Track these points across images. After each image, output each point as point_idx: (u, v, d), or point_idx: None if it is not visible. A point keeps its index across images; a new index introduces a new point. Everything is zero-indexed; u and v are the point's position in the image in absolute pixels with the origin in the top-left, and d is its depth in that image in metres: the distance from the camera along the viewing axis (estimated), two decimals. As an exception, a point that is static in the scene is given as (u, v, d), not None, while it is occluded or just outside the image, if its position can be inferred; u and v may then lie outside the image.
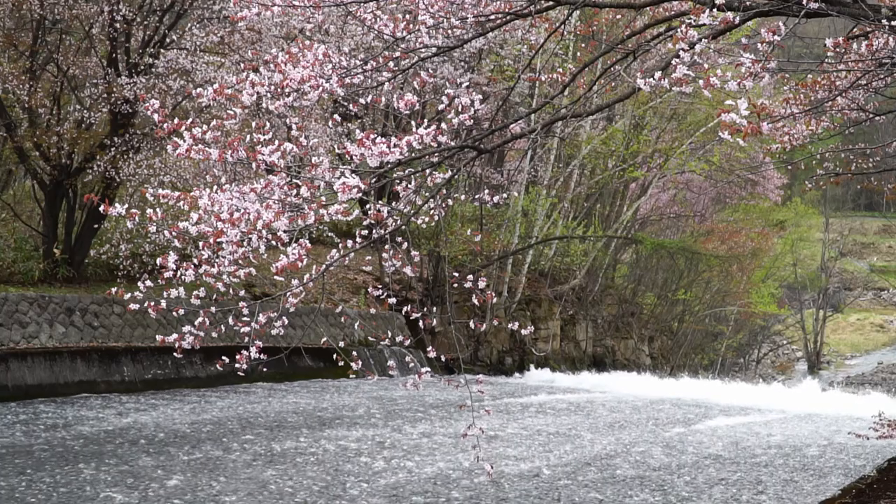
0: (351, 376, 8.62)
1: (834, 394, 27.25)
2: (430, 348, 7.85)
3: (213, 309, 6.46)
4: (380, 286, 7.26)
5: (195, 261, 6.27)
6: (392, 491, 10.88)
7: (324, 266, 6.61)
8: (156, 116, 6.14)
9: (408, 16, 7.57)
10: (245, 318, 6.49)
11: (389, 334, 7.42)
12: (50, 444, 12.46)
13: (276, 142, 6.13)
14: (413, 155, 6.37)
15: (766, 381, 35.21)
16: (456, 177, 12.94)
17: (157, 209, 6.23)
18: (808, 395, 25.08)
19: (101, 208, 6.17)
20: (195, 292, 6.58)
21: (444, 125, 6.42)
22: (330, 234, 23.15)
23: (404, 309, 7.62)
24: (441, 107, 6.76)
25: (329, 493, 10.68)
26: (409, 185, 6.72)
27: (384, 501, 10.45)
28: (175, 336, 6.39)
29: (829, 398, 24.95)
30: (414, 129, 6.19)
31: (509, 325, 8.11)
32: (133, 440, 13.06)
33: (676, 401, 22.05)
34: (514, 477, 11.90)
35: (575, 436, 15.55)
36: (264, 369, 17.52)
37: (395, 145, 6.09)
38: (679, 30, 6.01)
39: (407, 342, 7.37)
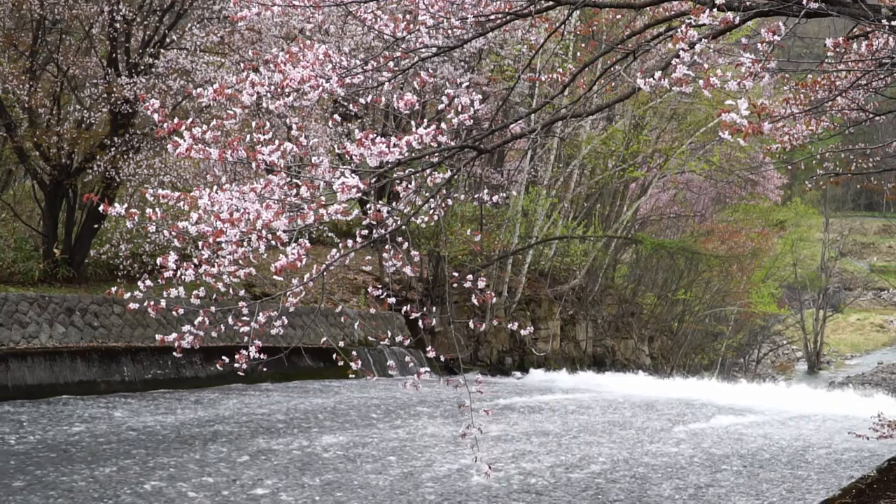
0: (351, 376, 8.62)
1: (834, 394, 27.25)
2: (429, 348, 7.84)
3: (212, 309, 6.46)
4: (380, 286, 7.26)
5: (195, 261, 6.27)
6: (392, 491, 10.89)
7: (324, 266, 6.61)
8: (156, 116, 6.14)
9: (408, 16, 7.57)
10: (245, 318, 6.49)
11: (389, 334, 7.42)
12: (49, 444, 12.46)
13: (276, 142, 6.12)
14: (413, 155, 6.37)
15: (765, 380, 35.19)
16: (456, 177, 12.94)
17: (157, 209, 6.23)
18: (807, 395, 25.08)
19: (101, 208, 6.17)
20: (195, 292, 6.58)
21: (444, 125, 6.42)
22: (330, 234, 23.15)
23: (404, 309, 7.62)
24: (441, 107, 6.76)
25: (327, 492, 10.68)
26: (409, 185, 6.72)
27: (386, 502, 10.46)
28: (175, 336, 6.39)
29: (829, 398, 24.95)
30: (414, 129, 6.19)
31: (509, 325, 8.11)
32: (134, 440, 13.06)
33: (676, 401, 22.04)
34: (513, 477, 11.90)
35: (575, 436, 15.54)
36: (264, 369, 17.51)
37: (394, 145, 6.09)
38: (679, 30, 6.01)
39: (407, 342, 7.37)
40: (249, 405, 16.90)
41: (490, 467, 10.38)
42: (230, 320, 6.55)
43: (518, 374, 28.26)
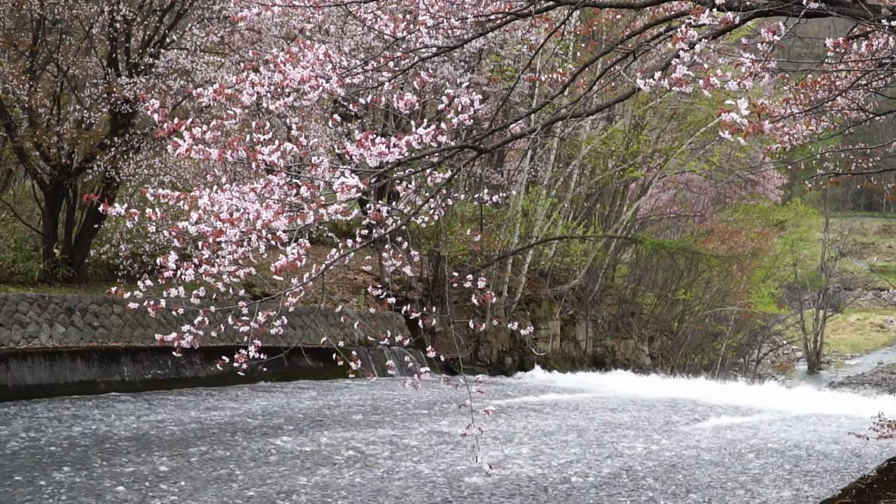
0: (350, 376, 8.62)
1: (833, 394, 27.26)
2: (429, 348, 7.84)
3: (212, 309, 6.46)
4: (380, 286, 7.25)
5: (195, 261, 6.27)
6: (393, 491, 10.89)
7: (324, 266, 6.61)
8: (156, 116, 6.14)
9: (408, 16, 7.57)
10: (245, 318, 6.49)
11: (389, 334, 7.42)
12: (49, 444, 12.46)
13: (276, 142, 6.12)
14: (413, 155, 6.36)
15: (765, 380, 35.19)
16: (456, 177, 12.93)
17: (157, 209, 6.23)
18: (807, 395, 25.08)
19: (101, 208, 6.16)
20: (195, 292, 6.57)
21: (444, 125, 6.42)
22: (330, 234, 23.15)
23: (404, 309, 7.62)
24: (441, 107, 6.76)
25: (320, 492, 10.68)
26: (409, 185, 6.71)
27: (388, 501, 10.46)
28: (175, 335, 6.39)
29: (829, 398, 24.96)
30: (414, 129, 6.18)
31: (509, 325, 8.10)
32: (134, 440, 13.06)
33: (676, 400, 22.05)
34: (513, 477, 11.90)
35: (575, 436, 15.54)
36: (264, 369, 17.53)
37: (394, 145, 6.09)
38: (679, 30, 6.01)
39: (407, 342, 7.36)
40: (249, 404, 16.89)
41: (490, 467, 10.38)
42: (230, 320, 6.55)
43: (518, 374, 28.27)
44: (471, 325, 7.87)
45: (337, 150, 15.53)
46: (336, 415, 16.36)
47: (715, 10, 6.02)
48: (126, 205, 7.05)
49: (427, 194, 6.96)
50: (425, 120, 18.67)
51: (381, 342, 7.50)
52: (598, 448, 14.42)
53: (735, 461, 13.84)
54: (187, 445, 12.86)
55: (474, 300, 7.06)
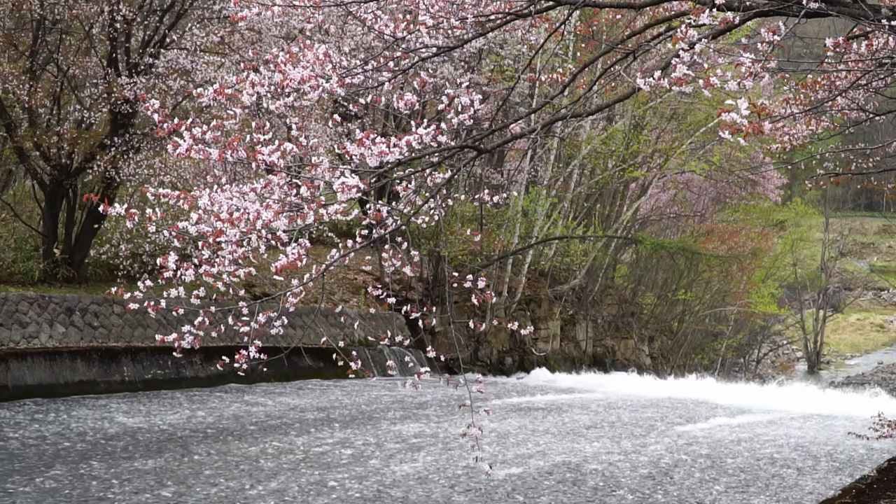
0: (350, 376, 8.62)
1: (834, 394, 27.25)
2: (429, 348, 7.83)
3: (213, 309, 6.45)
4: (380, 286, 7.24)
5: (195, 261, 6.27)
6: (391, 490, 10.89)
7: (324, 266, 6.61)
8: (156, 116, 6.13)
9: (408, 16, 7.57)
10: (245, 318, 6.48)
11: (389, 334, 7.41)
12: (49, 444, 12.46)
13: (276, 142, 6.12)
14: (413, 155, 6.36)
15: (765, 380, 35.19)
16: (456, 177, 12.93)
17: (157, 209, 6.23)
18: (807, 395, 25.07)
19: (101, 208, 6.16)
20: (195, 292, 6.57)
21: (444, 125, 6.41)
22: (330, 234, 23.15)
23: (404, 309, 7.61)
24: (441, 107, 6.75)
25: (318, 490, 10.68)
26: (409, 185, 6.71)
27: (388, 500, 10.46)
28: (175, 336, 6.38)
29: (829, 398, 24.95)
30: (414, 129, 6.18)
31: (509, 325, 8.10)
32: (134, 440, 13.06)
33: (676, 400, 22.05)
34: (513, 476, 11.90)
35: (575, 435, 15.54)
36: (264, 369, 17.50)
37: (394, 145, 6.09)
38: (679, 30, 6.01)
39: (407, 342, 7.36)
40: (249, 405, 16.90)
41: (490, 466, 10.38)
42: (230, 320, 6.54)
43: (519, 374, 28.27)
44: (471, 325, 7.87)
45: (337, 150, 15.52)
46: (336, 414, 16.37)
47: (715, 10, 6.02)
48: (126, 205, 7.04)
49: (427, 194, 6.95)
50: (425, 120, 18.65)
51: (381, 342, 7.49)
52: (599, 448, 14.42)
53: (734, 461, 13.84)
54: (188, 445, 12.86)
55: (474, 300, 7.06)
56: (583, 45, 24.53)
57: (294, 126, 8.25)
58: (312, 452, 12.85)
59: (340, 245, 6.70)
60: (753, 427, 17.82)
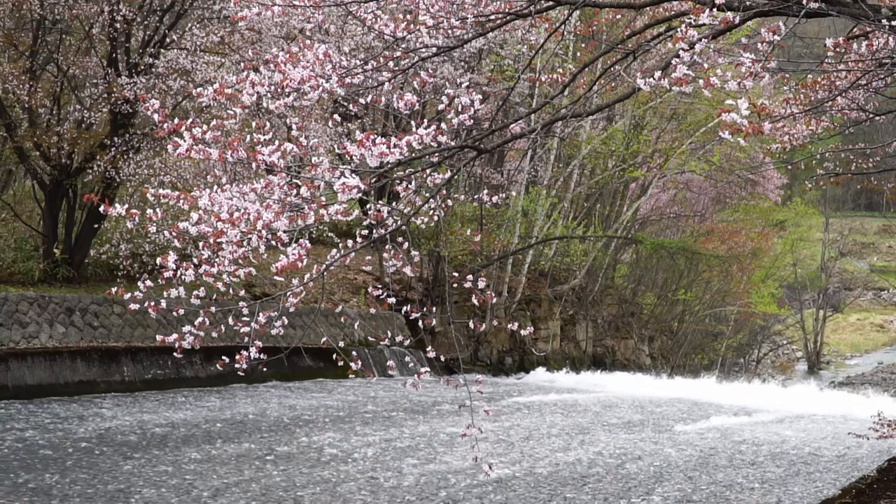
0: (351, 376, 8.61)
1: (834, 394, 27.23)
2: (429, 348, 7.83)
3: (213, 309, 6.45)
4: (380, 286, 7.24)
5: (195, 261, 6.26)
6: (393, 491, 10.89)
7: (324, 266, 6.61)
8: (156, 116, 6.13)
9: (408, 16, 7.57)
10: (245, 318, 6.48)
11: (389, 334, 7.41)
12: (48, 444, 12.46)
13: (276, 142, 6.12)
14: (413, 155, 6.36)
15: (765, 380, 35.18)
16: (456, 177, 12.93)
17: (157, 209, 6.23)
18: (807, 395, 25.05)
19: (101, 208, 6.16)
20: (195, 292, 6.57)
21: (444, 125, 6.41)
22: (330, 234, 23.14)
23: (404, 309, 7.61)
24: (441, 107, 6.75)
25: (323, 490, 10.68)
26: (409, 185, 6.71)
27: (387, 499, 10.46)
28: (175, 336, 6.38)
29: (829, 398, 24.93)
30: (414, 129, 6.18)
31: (509, 325, 8.10)
32: (134, 440, 13.06)
33: (676, 400, 22.04)
34: (513, 476, 11.90)
35: (575, 436, 15.54)
36: (264, 369, 17.49)
37: (395, 145, 6.08)
38: (679, 30, 6.01)
39: (407, 342, 7.36)
40: (249, 405, 16.89)
41: (490, 466, 10.38)
42: (230, 320, 6.54)
43: (519, 374, 28.26)
44: (471, 325, 7.87)
45: (337, 150, 15.52)
46: (335, 414, 16.36)
47: (715, 9, 6.02)
48: (126, 205, 7.04)
49: (427, 194, 6.95)
50: (425, 120, 18.67)
51: (381, 342, 7.49)
52: (598, 448, 14.42)
53: (734, 461, 13.84)
54: (188, 445, 12.86)
55: (474, 300, 7.06)
56: (583, 45, 24.53)
57: (294, 126, 8.25)
58: (315, 451, 12.85)
59: (340, 245, 6.70)
60: (752, 427, 17.82)
